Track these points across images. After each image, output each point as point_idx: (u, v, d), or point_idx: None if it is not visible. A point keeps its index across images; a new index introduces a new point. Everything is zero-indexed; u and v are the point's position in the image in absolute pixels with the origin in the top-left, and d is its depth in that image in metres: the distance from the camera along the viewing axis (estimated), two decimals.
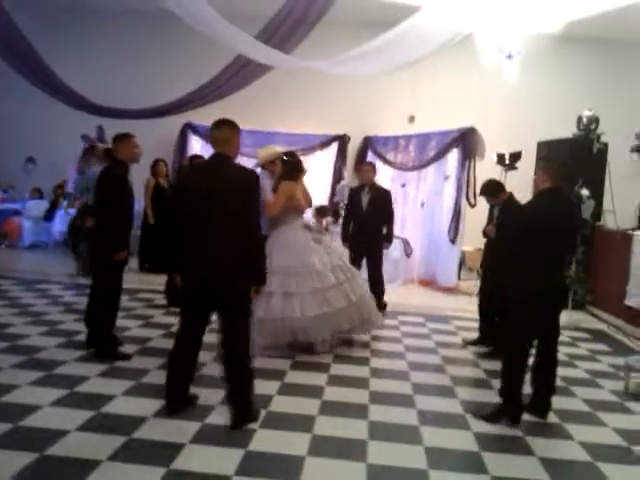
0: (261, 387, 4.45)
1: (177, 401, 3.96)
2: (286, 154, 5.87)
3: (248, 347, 3.89)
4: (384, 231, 7.53)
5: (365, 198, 7.44)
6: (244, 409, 3.87)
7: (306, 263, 5.43)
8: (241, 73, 8.41)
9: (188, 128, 11.32)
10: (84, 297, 5.66)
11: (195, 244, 3.74)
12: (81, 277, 8.15)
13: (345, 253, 6.94)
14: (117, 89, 10.41)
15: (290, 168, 5.67)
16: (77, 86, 8.95)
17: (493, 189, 6.02)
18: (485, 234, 6.14)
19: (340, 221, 9.94)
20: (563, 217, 4.12)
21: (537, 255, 4.05)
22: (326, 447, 3.63)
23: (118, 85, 10.81)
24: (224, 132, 3.86)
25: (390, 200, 7.61)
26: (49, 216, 10.95)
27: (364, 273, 7.54)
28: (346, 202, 10.46)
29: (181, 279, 3.86)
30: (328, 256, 5.64)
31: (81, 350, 5.07)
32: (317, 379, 4.82)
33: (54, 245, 11.05)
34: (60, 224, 10.42)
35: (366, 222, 7.38)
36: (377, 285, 7.43)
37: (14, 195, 11.78)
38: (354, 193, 7.69)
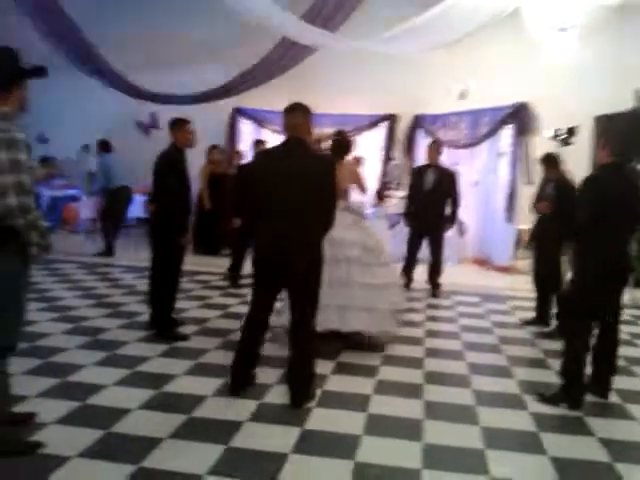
0: (316, 366, 4.50)
1: (242, 381, 4.04)
2: (335, 133, 5.85)
3: (314, 327, 3.97)
4: (447, 212, 7.42)
5: (429, 178, 7.35)
6: (305, 387, 3.94)
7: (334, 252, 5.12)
8: (286, 55, 8.42)
9: (237, 112, 11.41)
10: (145, 279, 5.82)
11: (270, 226, 3.84)
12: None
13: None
14: (166, 75, 10.53)
15: (336, 146, 5.52)
16: (126, 73, 9.12)
17: (554, 160, 5.89)
18: (539, 210, 5.97)
19: (390, 201, 9.93)
20: (626, 191, 4.02)
21: (601, 232, 3.95)
22: (381, 426, 3.66)
23: (166, 71, 10.93)
24: (297, 117, 3.89)
25: (455, 181, 7.48)
26: None
27: (424, 252, 7.51)
28: (398, 182, 10.47)
29: (253, 260, 3.96)
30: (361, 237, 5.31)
31: (143, 331, 5.25)
32: (371, 359, 4.85)
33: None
34: None
35: (428, 202, 7.29)
36: (436, 267, 7.40)
37: (73, 182, 12.12)
38: (418, 172, 7.61)
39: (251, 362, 4.07)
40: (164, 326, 5.16)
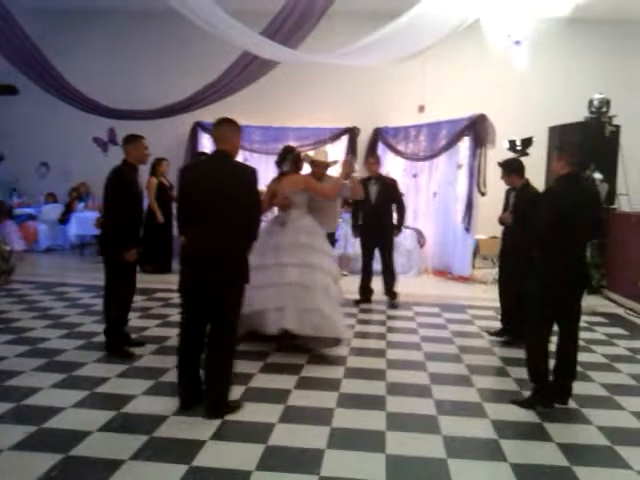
0: (279, 382, 4.51)
1: (190, 394, 4.02)
2: (284, 149, 5.92)
3: (234, 340, 4.03)
4: (394, 220, 7.55)
5: (373, 189, 7.47)
6: (221, 398, 3.95)
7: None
8: (248, 70, 8.42)
9: (198, 127, 11.37)
10: (102, 299, 5.72)
11: (194, 237, 3.95)
12: None
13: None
14: (126, 90, 10.49)
15: (292, 161, 5.68)
16: (86, 89, 9.03)
17: (516, 167, 5.88)
18: (502, 222, 6.01)
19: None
20: (584, 201, 4.19)
21: (561, 240, 4.08)
22: (345, 439, 3.66)
23: (127, 86, 10.89)
24: (223, 130, 4.04)
25: (397, 189, 7.68)
26: (64, 219, 11.06)
27: (377, 264, 7.60)
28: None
29: (180, 272, 4.02)
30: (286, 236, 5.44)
31: (100, 351, 5.15)
32: (334, 372, 4.86)
33: (70, 248, 11.19)
34: (76, 227, 10.52)
35: (375, 213, 7.43)
36: (389, 274, 7.49)
37: (29, 200, 11.89)
38: (363, 185, 7.68)
39: (194, 374, 4.03)
40: (115, 342, 5.09)
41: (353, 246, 9.57)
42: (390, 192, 7.52)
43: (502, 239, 6.17)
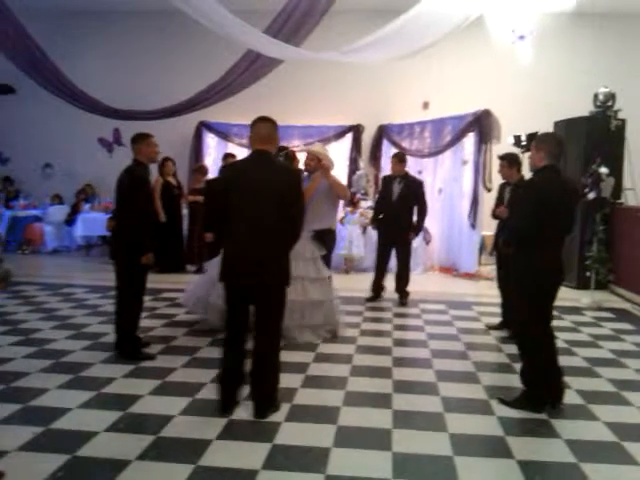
0: (285, 380, 4.48)
1: (231, 400, 3.98)
2: (280, 148, 5.97)
3: (279, 339, 3.99)
4: (414, 221, 7.53)
5: (396, 188, 7.44)
6: (268, 398, 3.95)
7: None
8: (251, 68, 8.43)
9: (203, 126, 11.39)
10: (108, 300, 5.75)
11: (237, 239, 3.85)
12: None
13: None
14: (130, 91, 10.52)
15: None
16: (90, 90, 9.05)
17: (518, 160, 5.92)
18: (495, 215, 6.02)
19: (358, 210, 10.00)
20: (564, 194, 4.05)
21: (541, 234, 3.97)
22: (351, 437, 3.66)
23: (131, 87, 10.92)
24: (264, 129, 3.95)
25: (422, 191, 7.59)
26: (70, 220, 11.08)
27: (392, 261, 7.60)
28: (365, 192, 10.56)
29: (221, 275, 3.92)
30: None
31: (107, 352, 5.16)
32: (340, 370, 4.85)
33: (76, 249, 11.23)
34: (82, 228, 10.55)
35: (395, 212, 7.39)
36: (404, 274, 7.47)
37: (34, 202, 11.94)
38: (386, 182, 7.69)
39: (236, 380, 4.00)
40: (130, 346, 5.07)
41: (358, 247, 9.58)
42: (413, 193, 7.45)
43: (495, 234, 6.19)
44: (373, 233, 8.54)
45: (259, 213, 3.78)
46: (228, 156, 8.58)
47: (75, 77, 8.94)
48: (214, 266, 5.23)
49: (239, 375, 3.97)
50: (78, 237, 10.84)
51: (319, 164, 6.03)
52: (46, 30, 8.85)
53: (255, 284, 3.82)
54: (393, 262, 7.71)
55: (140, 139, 5.08)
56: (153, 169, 7.24)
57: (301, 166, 6.24)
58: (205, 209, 7.18)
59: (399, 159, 7.67)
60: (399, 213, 7.38)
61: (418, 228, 7.61)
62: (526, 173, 5.67)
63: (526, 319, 4.11)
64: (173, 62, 11.45)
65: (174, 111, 9.42)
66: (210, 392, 4.17)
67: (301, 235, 5.14)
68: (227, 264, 3.90)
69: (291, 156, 5.90)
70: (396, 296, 7.51)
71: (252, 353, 3.92)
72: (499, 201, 6.10)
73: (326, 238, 6.03)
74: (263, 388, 3.93)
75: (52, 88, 9.05)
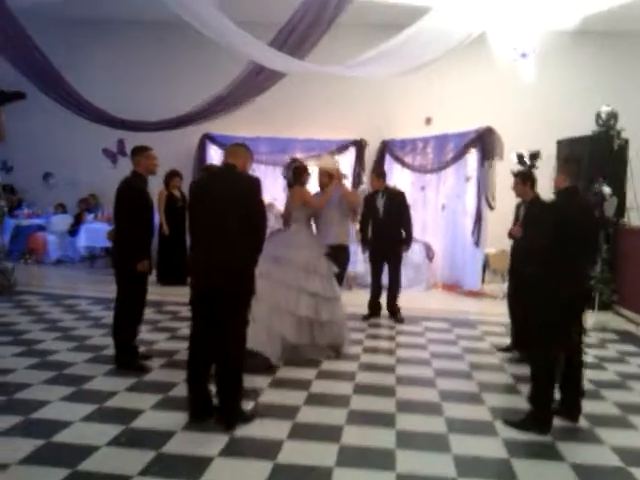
0: (288, 398, 4.49)
1: (200, 405, 4.03)
2: (292, 161, 6.06)
3: (241, 349, 4.04)
4: (403, 234, 7.52)
5: (380, 203, 7.44)
6: (233, 407, 3.98)
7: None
8: (255, 81, 8.46)
9: (207, 138, 11.41)
10: (111, 311, 5.69)
11: (201, 249, 4.04)
12: None
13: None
14: (135, 102, 10.53)
15: (296, 173, 5.91)
16: (95, 100, 9.07)
17: (532, 177, 5.90)
18: (511, 235, 6.00)
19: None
20: (584, 215, 4.10)
21: (561, 254, 3.99)
22: (354, 457, 3.63)
23: (136, 98, 10.94)
24: (235, 148, 4.26)
25: (405, 202, 7.59)
26: (74, 231, 11.07)
27: (385, 278, 7.57)
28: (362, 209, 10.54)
29: (190, 282, 4.12)
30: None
31: (109, 365, 5.13)
32: (343, 388, 4.82)
33: (80, 260, 11.22)
34: (85, 238, 10.54)
35: (383, 227, 7.39)
36: (393, 288, 7.44)
37: (38, 210, 11.94)
38: (369, 198, 7.69)
39: (203, 386, 4.04)
40: (126, 357, 5.06)
41: (360, 263, 9.52)
42: (397, 205, 7.46)
43: (511, 254, 6.15)
44: None
45: (222, 222, 3.91)
46: (206, 169, 8.61)
47: (80, 87, 8.95)
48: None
49: (205, 384, 4.05)
50: (81, 248, 10.83)
51: (331, 179, 6.06)
52: (50, 39, 8.81)
53: (218, 291, 3.92)
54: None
55: (139, 152, 5.17)
56: (157, 181, 7.29)
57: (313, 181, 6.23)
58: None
59: (377, 176, 7.74)
60: (387, 227, 7.37)
61: (408, 239, 7.57)
62: (542, 192, 5.72)
63: (542, 339, 4.10)
64: (177, 73, 11.48)
65: (179, 122, 9.43)
66: None
67: (320, 250, 5.26)
68: (194, 273, 4.10)
69: (301, 170, 5.88)
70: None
71: (216, 365, 3.99)
72: (516, 221, 6.06)
73: (339, 255, 6.01)
74: (224, 399, 3.98)
75: (58, 98, 9.07)
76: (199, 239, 4.06)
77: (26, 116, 11.45)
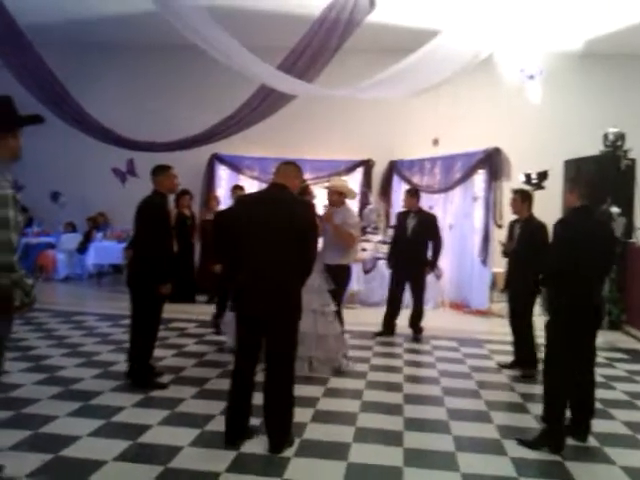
0: (294, 415, 4.45)
1: (237, 431, 3.95)
2: None
3: (291, 373, 3.95)
4: (429, 256, 7.54)
5: (411, 223, 7.46)
6: (284, 433, 3.90)
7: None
8: (264, 103, 8.56)
9: (215, 158, 11.51)
10: (119, 328, 5.76)
11: (252, 271, 3.87)
12: None
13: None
14: (145, 123, 10.66)
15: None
16: (106, 121, 9.19)
17: (530, 197, 6.02)
18: (505, 253, 6.13)
19: (366, 245, 10.01)
20: (596, 235, 4.11)
21: (575, 274, 4.01)
22: (362, 475, 3.62)
23: (146, 119, 11.06)
24: (286, 168, 4.09)
25: (436, 225, 7.63)
26: (83, 248, 11.14)
27: (407, 297, 7.58)
28: (376, 226, 10.59)
29: (234, 307, 3.99)
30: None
31: (117, 380, 5.15)
32: (351, 406, 4.81)
33: (88, 277, 11.27)
34: (94, 256, 10.60)
35: (409, 247, 7.40)
36: (418, 310, 7.44)
37: (48, 229, 12.02)
38: (401, 218, 7.72)
39: (243, 411, 3.96)
40: (143, 375, 5.06)
41: (358, 281, 9.52)
42: (427, 227, 7.48)
43: (507, 271, 6.23)
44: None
45: (272, 245, 3.80)
46: (236, 188, 8.65)
47: (91, 108, 9.09)
48: None
49: (246, 408, 3.95)
50: (90, 265, 10.89)
51: (341, 197, 6.08)
52: (62, 62, 8.97)
53: (268, 315, 3.83)
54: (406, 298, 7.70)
55: (160, 171, 5.16)
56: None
57: (319, 200, 6.28)
58: (214, 241, 7.22)
59: (411, 194, 7.72)
60: (414, 248, 7.38)
61: (434, 263, 7.60)
62: (550, 211, 5.79)
63: (555, 357, 4.10)
64: (187, 95, 11.61)
65: (189, 143, 9.54)
66: (219, 424, 4.12)
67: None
68: (241, 295, 3.93)
69: (305, 190, 5.94)
70: (406, 331, 7.47)
71: (264, 387, 3.89)
72: (510, 238, 6.14)
73: (338, 274, 6.02)
74: (277, 422, 3.89)
75: (68, 118, 9.21)
76: (248, 263, 3.88)
77: (36, 135, 11.56)
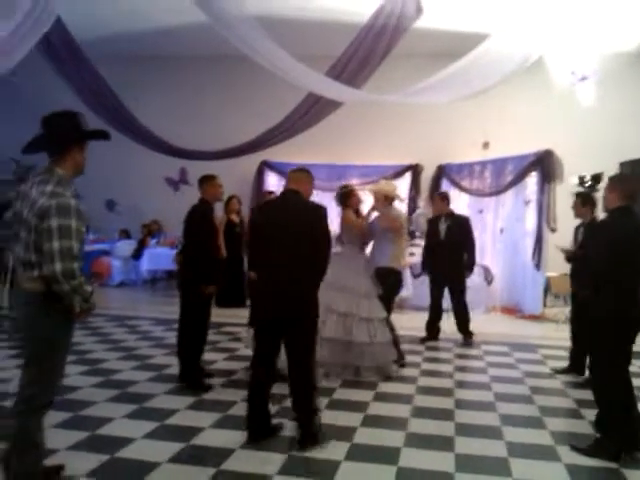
0: (344, 419, 4.48)
1: (259, 429, 4.08)
2: (342, 186, 6.21)
3: (312, 373, 4.08)
4: (465, 259, 7.45)
5: (443, 227, 7.43)
6: (310, 429, 3.99)
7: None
8: (312, 111, 8.62)
9: (265, 165, 11.65)
10: (172, 332, 5.88)
11: (264, 273, 4.10)
12: None
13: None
14: (196, 132, 10.87)
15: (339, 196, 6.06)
16: (158, 131, 9.41)
17: (591, 199, 5.88)
18: (569, 259, 5.94)
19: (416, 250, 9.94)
20: (637, 234, 3.95)
21: (616, 276, 3.87)
22: None
23: (196, 128, 11.28)
24: (298, 174, 4.25)
25: (469, 227, 7.57)
26: (137, 255, 11.43)
27: (446, 303, 7.51)
28: (425, 232, 10.49)
29: (253, 307, 4.16)
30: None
31: (170, 383, 5.27)
32: (401, 410, 4.79)
33: (142, 282, 11.56)
34: (148, 262, 10.86)
35: (445, 251, 7.35)
36: (461, 314, 7.37)
37: (103, 236, 12.37)
38: (432, 223, 7.69)
39: (262, 412, 4.10)
40: (193, 376, 5.19)
41: (408, 286, 9.45)
42: (461, 230, 7.44)
43: (571, 276, 6.05)
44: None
45: (289, 251, 3.93)
46: (268, 193, 8.73)
47: (143, 119, 9.32)
48: None
49: (264, 408, 4.10)
50: (144, 271, 11.17)
51: (387, 201, 6.05)
52: (113, 75, 9.23)
53: (283, 318, 3.96)
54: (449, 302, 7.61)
55: (206, 180, 5.40)
56: (218, 206, 7.46)
57: (365, 204, 6.28)
58: (248, 248, 7.31)
59: (441, 198, 7.71)
60: (448, 252, 7.32)
61: (471, 264, 7.51)
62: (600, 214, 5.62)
63: (603, 363, 3.98)
64: (235, 104, 11.77)
65: (238, 151, 9.68)
66: None
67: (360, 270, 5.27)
68: (259, 299, 4.16)
69: (348, 193, 5.94)
70: (455, 336, 7.41)
71: (290, 388, 4.03)
72: (575, 243, 6.00)
73: (386, 278, 5.99)
74: (302, 420, 3.99)
75: (122, 129, 9.46)
76: (264, 267, 4.11)
77: (92, 145, 11.94)
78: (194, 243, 5.21)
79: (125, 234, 12.26)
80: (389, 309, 6.01)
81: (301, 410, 4.01)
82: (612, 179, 4.19)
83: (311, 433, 3.99)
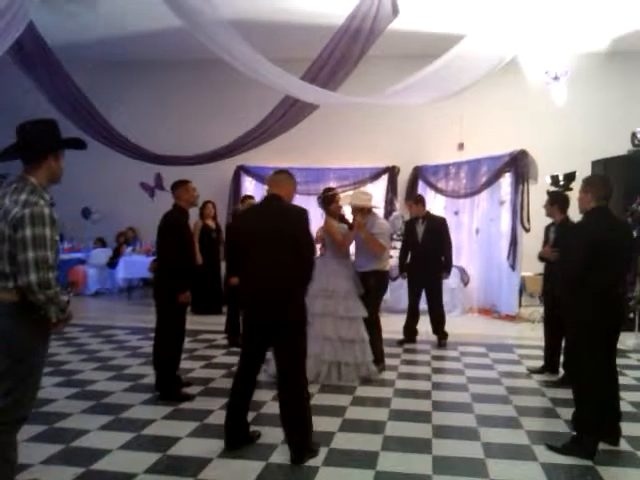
0: (322, 424, 4.45)
1: (237, 436, 4.04)
2: (324, 190, 6.13)
3: (302, 380, 3.97)
4: (442, 260, 7.50)
5: (420, 229, 7.46)
6: (304, 442, 3.91)
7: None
8: (288, 114, 8.62)
9: (241, 170, 11.62)
10: (149, 341, 5.83)
11: (249, 280, 4.02)
12: None
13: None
14: (171, 137, 10.82)
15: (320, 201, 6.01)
16: (133, 137, 9.34)
17: (559, 199, 5.92)
18: (541, 258, 6.00)
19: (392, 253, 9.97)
20: (614, 235, 4.00)
21: (594, 278, 3.91)
22: None
23: (172, 134, 11.23)
24: (278, 177, 4.16)
25: (446, 228, 7.63)
26: (113, 263, 11.32)
27: (423, 304, 7.54)
28: (402, 233, 10.54)
29: (240, 314, 4.05)
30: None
31: (147, 393, 5.22)
32: (378, 414, 4.79)
33: (118, 291, 11.44)
34: (124, 270, 10.76)
35: (422, 253, 7.39)
36: (437, 315, 7.41)
37: (78, 244, 12.22)
38: (409, 224, 7.72)
39: (242, 416, 4.06)
40: (169, 387, 5.13)
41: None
42: (437, 231, 7.48)
43: (543, 276, 6.11)
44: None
45: (271, 255, 3.88)
46: (246, 198, 8.63)
47: (119, 124, 9.25)
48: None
49: (243, 414, 4.06)
50: (120, 279, 11.06)
51: (363, 214, 6.04)
52: (89, 80, 9.14)
53: (270, 324, 3.91)
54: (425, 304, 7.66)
55: (179, 186, 5.33)
56: (193, 212, 7.43)
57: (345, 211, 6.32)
58: (226, 254, 7.28)
59: (416, 201, 7.73)
60: (426, 253, 7.37)
61: (448, 265, 7.55)
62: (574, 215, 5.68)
63: (580, 361, 4.02)
64: (212, 109, 11.76)
65: (214, 156, 9.65)
66: None
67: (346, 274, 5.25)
68: (243, 305, 4.12)
69: (329, 198, 5.91)
70: (433, 338, 7.44)
71: (279, 399, 3.95)
72: (545, 242, 6.04)
73: (369, 278, 5.99)
74: (295, 433, 3.90)
75: (96, 135, 9.38)
76: (248, 273, 4.01)
77: (67, 152, 11.81)
78: (168, 251, 5.14)
79: (100, 242, 12.13)
80: (377, 310, 6.07)
81: (294, 428, 3.89)
82: (586, 180, 4.24)
83: (309, 450, 3.92)
